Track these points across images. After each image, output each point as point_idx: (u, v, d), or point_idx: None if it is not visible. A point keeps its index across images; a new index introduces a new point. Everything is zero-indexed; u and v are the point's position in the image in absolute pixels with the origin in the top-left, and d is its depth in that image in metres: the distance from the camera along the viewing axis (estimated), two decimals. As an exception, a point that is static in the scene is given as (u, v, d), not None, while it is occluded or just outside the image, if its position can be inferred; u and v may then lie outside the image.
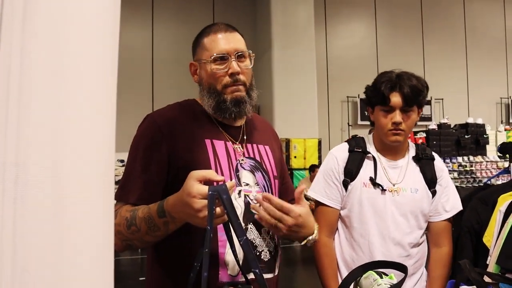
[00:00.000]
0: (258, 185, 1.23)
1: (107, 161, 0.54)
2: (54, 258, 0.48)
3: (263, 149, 1.32)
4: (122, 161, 6.63)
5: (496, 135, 9.43)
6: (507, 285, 1.23)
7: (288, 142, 8.32)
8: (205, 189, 0.94)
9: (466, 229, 1.66)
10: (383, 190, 1.53)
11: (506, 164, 8.46)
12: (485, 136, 8.73)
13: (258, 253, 1.17)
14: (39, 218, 0.47)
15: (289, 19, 8.42)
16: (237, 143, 1.25)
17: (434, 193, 1.58)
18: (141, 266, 5.73)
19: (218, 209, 0.95)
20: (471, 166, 8.29)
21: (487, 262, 1.50)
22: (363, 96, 1.67)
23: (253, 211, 1.11)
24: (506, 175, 2.03)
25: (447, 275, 1.60)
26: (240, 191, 1.19)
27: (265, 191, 1.24)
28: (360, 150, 1.59)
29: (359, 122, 10.10)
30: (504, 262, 1.40)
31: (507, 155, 1.92)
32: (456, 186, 8.24)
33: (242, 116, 1.23)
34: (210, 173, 0.99)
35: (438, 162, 1.65)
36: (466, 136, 8.53)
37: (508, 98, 11.33)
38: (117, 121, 0.54)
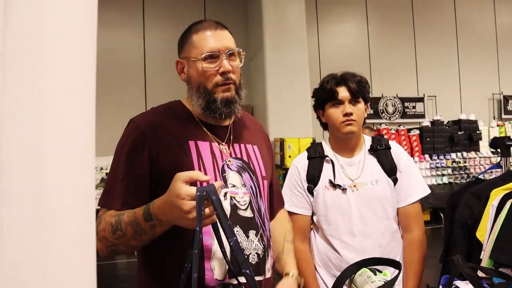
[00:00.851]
0: (245, 186, 1.21)
1: (88, 164, 0.53)
2: (36, 263, 0.47)
3: (251, 148, 1.30)
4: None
5: (489, 131, 9.47)
6: (500, 279, 1.23)
7: (282, 141, 8.32)
8: (193, 190, 0.93)
9: (459, 223, 1.66)
10: (344, 189, 1.59)
11: (500, 160, 8.50)
12: (478, 132, 8.78)
13: (246, 256, 1.15)
14: (21, 224, 0.46)
15: (281, 19, 8.41)
16: (224, 143, 1.24)
17: (395, 180, 1.63)
18: (137, 270, 5.66)
19: (207, 210, 0.94)
20: (465, 162, 8.33)
21: (481, 257, 1.50)
22: None
23: None
24: (499, 170, 2.03)
25: (421, 259, 1.63)
26: (226, 193, 1.17)
27: (253, 192, 1.22)
28: (318, 155, 1.67)
29: (353, 121, 10.10)
30: (497, 256, 1.40)
31: (499, 150, 1.92)
32: (450, 183, 8.22)
33: (232, 116, 1.22)
34: (196, 174, 0.98)
35: (395, 149, 1.69)
36: (459, 133, 8.57)
37: (500, 94, 11.40)
38: (110, 122, 0.53)
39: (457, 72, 11.21)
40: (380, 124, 9.11)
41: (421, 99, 10.66)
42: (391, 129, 8.38)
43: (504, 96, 11.36)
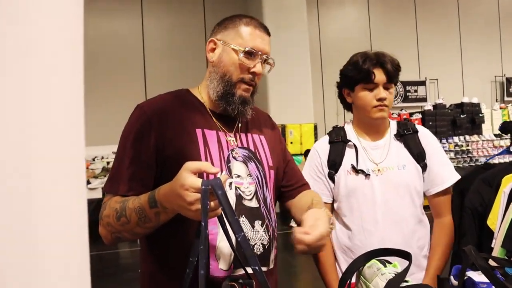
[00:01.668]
0: (251, 176, 1.20)
1: (77, 161, 0.52)
2: (24, 264, 0.46)
3: (258, 138, 1.29)
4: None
5: (491, 114, 9.44)
6: (514, 269, 1.19)
7: (284, 128, 8.28)
8: (198, 182, 0.91)
9: (469, 211, 1.62)
10: (367, 175, 1.52)
11: (502, 143, 8.49)
12: (480, 115, 8.74)
13: (252, 249, 1.14)
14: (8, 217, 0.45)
15: (281, 1, 8.30)
16: (231, 133, 1.23)
17: (425, 166, 1.55)
18: (140, 258, 5.71)
19: (212, 203, 0.91)
20: (467, 145, 8.32)
21: (492, 246, 1.46)
22: None
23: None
24: (507, 155, 1.98)
25: (450, 244, 1.58)
26: (231, 183, 1.16)
27: (258, 182, 1.21)
28: (340, 139, 1.59)
29: (354, 105, 10.06)
30: (509, 245, 1.37)
31: (509, 134, 1.87)
32: (454, 167, 8.38)
33: (243, 115, 1.23)
34: (205, 165, 0.96)
35: (423, 133, 1.61)
36: (461, 116, 8.54)
37: (502, 76, 11.31)
38: (109, 111, 0.49)
39: (459, 55, 11.11)
40: (382, 108, 9.07)
41: (423, 83, 10.60)
42: (393, 113, 8.35)
43: (507, 78, 11.29)
